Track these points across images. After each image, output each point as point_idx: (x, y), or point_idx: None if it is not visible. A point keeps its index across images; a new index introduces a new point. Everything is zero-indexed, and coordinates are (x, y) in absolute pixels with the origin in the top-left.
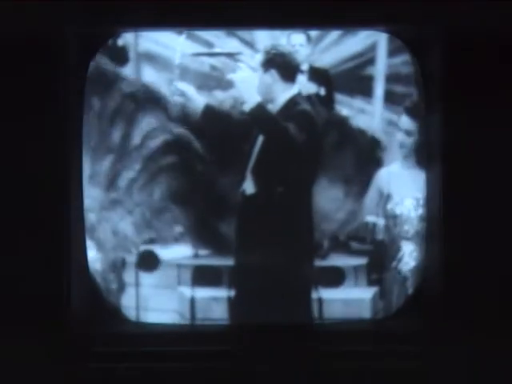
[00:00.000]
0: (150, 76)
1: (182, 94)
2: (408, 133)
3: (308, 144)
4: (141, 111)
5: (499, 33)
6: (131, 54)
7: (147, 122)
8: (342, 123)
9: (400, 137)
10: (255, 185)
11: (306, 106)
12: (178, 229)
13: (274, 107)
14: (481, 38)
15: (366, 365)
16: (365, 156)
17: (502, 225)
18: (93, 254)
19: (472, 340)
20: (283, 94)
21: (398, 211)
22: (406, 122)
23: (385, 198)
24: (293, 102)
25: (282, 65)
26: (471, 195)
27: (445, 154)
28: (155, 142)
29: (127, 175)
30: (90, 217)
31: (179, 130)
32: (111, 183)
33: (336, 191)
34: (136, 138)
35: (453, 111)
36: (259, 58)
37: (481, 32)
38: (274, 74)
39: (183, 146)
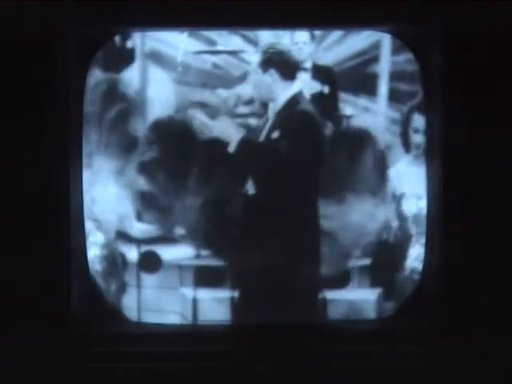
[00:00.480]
0: (153, 74)
1: (200, 122)
2: (423, 132)
3: (309, 143)
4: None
5: (499, 33)
6: (135, 52)
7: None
8: (345, 122)
9: (417, 138)
10: (257, 185)
11: (307, 105)
12: (180, 230)
13: (276, 106)
14: (481, 37)
15: (365, 365)
16: (373, 157)
17: (502, 225)
18: (93, 232)
19: (472, 340)
20: (284, 92)
21: (406, 210)
22: (419, 120)
23: (397, 198)
24: (294, 101)
25: (281, 63)
26: (471, 195)
27: (445, 154)
28: (96, 94)
29: (90, 138)
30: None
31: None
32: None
33: (364, 203)
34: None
35: (453, 111)
36: (257, 57)
37: (481, 32)
38: (273, 74)
39: (124, 91)
